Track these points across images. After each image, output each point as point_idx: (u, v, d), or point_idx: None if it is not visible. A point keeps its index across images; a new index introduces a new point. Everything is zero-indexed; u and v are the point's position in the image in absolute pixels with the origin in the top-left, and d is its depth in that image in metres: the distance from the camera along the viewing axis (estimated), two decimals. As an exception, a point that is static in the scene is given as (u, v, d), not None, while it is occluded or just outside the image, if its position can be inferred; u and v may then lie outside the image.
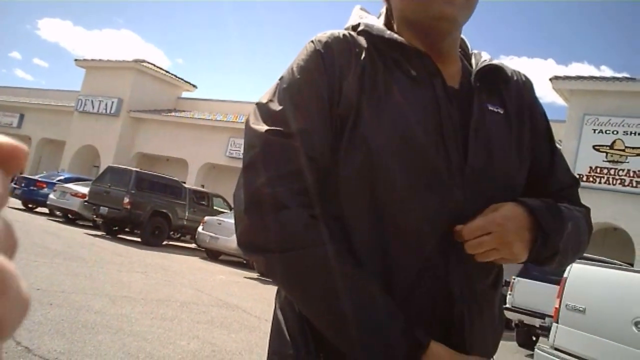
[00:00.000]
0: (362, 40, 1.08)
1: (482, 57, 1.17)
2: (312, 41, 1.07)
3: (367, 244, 0.98)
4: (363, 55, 1.05)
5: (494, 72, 1.14)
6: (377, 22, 1.14)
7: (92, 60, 29.40)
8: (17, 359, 3.83)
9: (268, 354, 1.06)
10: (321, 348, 0.97)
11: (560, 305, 4.69)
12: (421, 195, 0.99)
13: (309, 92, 1.02)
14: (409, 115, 1.01)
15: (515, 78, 1.20)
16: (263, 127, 0.99)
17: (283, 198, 0.94)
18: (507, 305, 9.95)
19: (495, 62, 1.15)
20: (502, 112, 1.12)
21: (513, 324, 10.46)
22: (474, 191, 1.01)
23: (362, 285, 0.92)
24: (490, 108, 1.10)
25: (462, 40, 1.21)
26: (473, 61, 1.16)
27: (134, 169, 16.35)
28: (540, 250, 1.01)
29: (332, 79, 1.01)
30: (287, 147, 0.97)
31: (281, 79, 1.06)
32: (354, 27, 1.12)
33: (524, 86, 1.21)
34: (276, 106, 1.01)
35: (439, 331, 0.98)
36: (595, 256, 10.09)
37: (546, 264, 1.08)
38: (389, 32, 1.09)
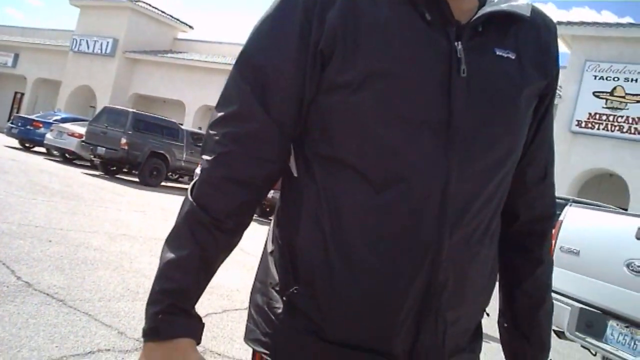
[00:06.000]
0: None
1: None
2: None
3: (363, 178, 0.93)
4: None
5: (504, 16, 0.99)
6: None
7: (87, -2, 28.80)
8: (18, 294, 3.89)
9: (254, 282, 1.09)
10: (297, 282, 0.97)
11: (554, 247, 4.75)
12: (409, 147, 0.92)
13: (276, 27, 0.97)
14: (414, 59, 0.93)
15: (537, 21, 1.06)
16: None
17: (217, 144, 0.96)
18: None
19: (504, 6, 0.99)
20: (513, 57, 1.00)
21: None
22: (461, 154, 0.93)
23: (179, 256, 0.92)
24: (499, 53, 0.99)
25: None
26: None
27: (131, 109, 16.24)
28: None
29: (311, 9, 0.94)
30: (239, 88, 0.97)
31: None
32: None
33: (545, 31, 1.07)
34: (245, 44, 1.01)
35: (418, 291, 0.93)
36: (590, 201, 10.17)
37: None
38: None
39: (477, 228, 0.98)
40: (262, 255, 1.10)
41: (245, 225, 0.99)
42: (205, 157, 0.96)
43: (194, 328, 0.91)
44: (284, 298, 0.98)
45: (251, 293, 1.08)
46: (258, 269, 1.09)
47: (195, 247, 0.92)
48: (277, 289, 1.00)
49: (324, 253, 0.93)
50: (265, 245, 1.09)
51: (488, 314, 1.10)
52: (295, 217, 0.98)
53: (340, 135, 0.94)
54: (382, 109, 0.91)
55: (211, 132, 0.97)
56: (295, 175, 1.01)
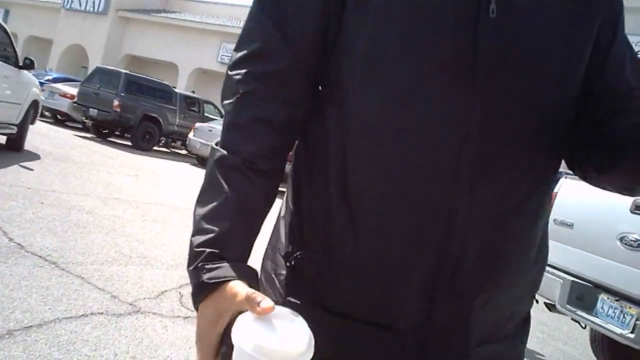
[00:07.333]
0: None
1: None
2: None
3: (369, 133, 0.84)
4: None
5: None
6: None
7: (79, -46, 28.19)
8: (10, 255, 3.86)
9: (266, 247, 1.02)
10: (302, 246, 0.90)
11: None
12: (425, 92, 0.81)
13: None
14: None
15: None
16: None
17: (239, 84, 0.85)
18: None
19: None
20: None
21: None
22: (485, 103, 0.81)
23: (219, 203, 0.80)
24: None
25: None
26: None
27: (124, 70, 16.03)
28: None
29: None
30: (261, 22, 0.87)
31: None
32: None
33: None
34: None
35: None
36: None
37: None
38: None
39: (509, 193, 0.84)
40: (276, 220, 1.02)
41: (278, 172, 0.87)
42: (226, 101, 0.87)
43: (240, 268, 0.76)
44: (288, 264, 0.91)
45: (262, 259, 1.01)
46: (271, 233, 1.01)
47: (230, 192, 0.80)
48: (283, 254, 0.93)
49: (327, 213, 0.85)
50: (280, 208, 1.01)
51: (537, 301, 1.03)
52: (307, 176, 0.90)
53: (349, 77, 0.84)
54: (398, 45, 0.80)
55: (231, 72, 0.87)
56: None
